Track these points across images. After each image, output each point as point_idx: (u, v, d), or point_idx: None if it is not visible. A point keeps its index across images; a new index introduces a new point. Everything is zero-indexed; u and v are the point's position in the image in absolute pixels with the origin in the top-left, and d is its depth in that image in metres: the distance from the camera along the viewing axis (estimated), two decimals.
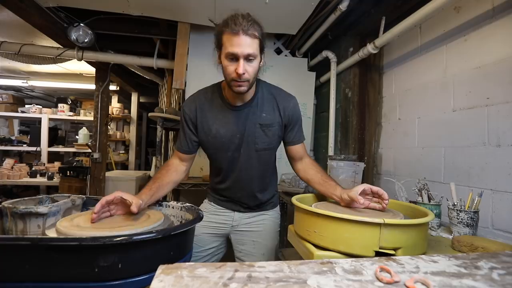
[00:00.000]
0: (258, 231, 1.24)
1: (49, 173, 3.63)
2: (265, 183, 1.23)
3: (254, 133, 1.12)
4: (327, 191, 1.06)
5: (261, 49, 1.02)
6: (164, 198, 1.21)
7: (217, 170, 1.21)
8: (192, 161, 1.24)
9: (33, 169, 3.82)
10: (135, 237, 0.72)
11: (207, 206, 1.29)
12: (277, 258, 1.32)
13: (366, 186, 0.96)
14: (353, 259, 0.58)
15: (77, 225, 0.86)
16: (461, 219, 1.03)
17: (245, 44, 0.95)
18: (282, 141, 1.21)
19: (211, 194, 1.31)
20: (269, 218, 1.27)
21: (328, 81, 2.41)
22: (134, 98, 4.81)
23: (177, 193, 2.73)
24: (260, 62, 1.03)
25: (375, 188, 0.95)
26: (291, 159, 1.23)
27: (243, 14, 0.97)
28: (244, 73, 0.97)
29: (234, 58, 0.97)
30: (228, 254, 1.31)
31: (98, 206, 0.88)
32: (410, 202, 1.21)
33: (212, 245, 1.26)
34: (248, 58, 0.97)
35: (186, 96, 2.46)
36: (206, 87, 1.20)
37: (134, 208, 0.90)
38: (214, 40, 1.02)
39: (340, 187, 1.03)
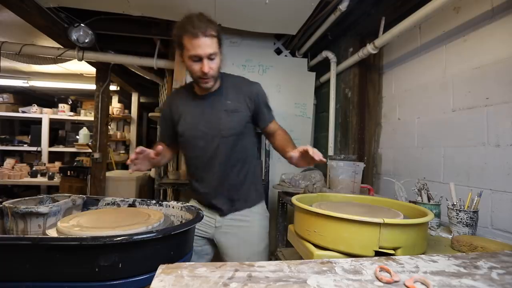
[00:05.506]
0: (243, 232, 1.21)
1: (50, 173, 3.63)
2: (240, 172, 1.21)
3: (219, 119, 1.16)
4: (285, 156, 1.18)
5: (220, 45, 1.10)
6: (164, 198, 1.22)
7: (190, 159, 1.24)
8: (175, 150, 1.35)
9: (33, 169, 3.83)
10: (135, 237, 0.72)
11: (192, 204, 1.28)
12: (270, 259, 1.29)
13: (305, 147, 1.02)
14: (353, 258, 0.58)
15: (77, 225, 0.86)
16: (461, 219, 1.03)
17: (206, 45, 1.03)
18: (256, 126, 1.28)
19: (192, 194, 1.32)
20: (253, 219, 1.24)
21: (328, 81, 2.41)
22: (134, 98, 4.80)
23: (177, 193, 2.73)
24: (220, 56, 1.11)
25: (301, 148, 1.02)
26: (267, 136, 1.33)
27: (198, 15, 1.05)
28: (209, 71, 1.06)
29: (198, 58, 1.05)
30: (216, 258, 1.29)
31: (133, 155, 1.02)
32: (410, 202, 1.22)
33: (200, 242, 1.23)
34: (210, 57, 1.05)
35: None
36: (181, 86, 1.33)
37: (159, 148, 1.04)
38: (174, 39, 1.09)
39: (291, 151, 1.11)
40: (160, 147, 1.04)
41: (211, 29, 1.03)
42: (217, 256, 1.28)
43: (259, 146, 1.29)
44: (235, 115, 1.17)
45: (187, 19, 1.04)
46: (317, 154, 0.97)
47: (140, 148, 1.03)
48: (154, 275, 0.48)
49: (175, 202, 1.17)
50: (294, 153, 1.05)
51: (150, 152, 1.05)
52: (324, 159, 0.99)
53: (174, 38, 1.08)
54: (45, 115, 4.31)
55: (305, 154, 1.02)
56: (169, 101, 1.30)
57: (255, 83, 1.25)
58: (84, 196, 1.18)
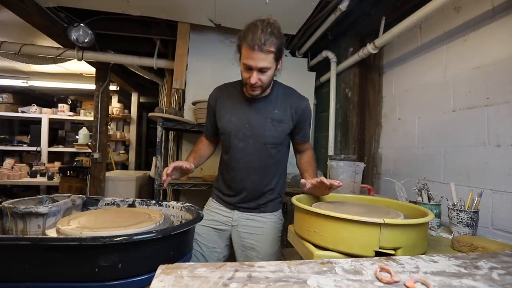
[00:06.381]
0: (258, 234, 1.23)
1: (49, 173, 3.63)
2: (271, 181, 1.24)
3: (264, 126, 1.17)
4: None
5: (278, 58, 1.08)
6: (164, 198, 1.22)
7: (227, 157, 1.25)
8: (218, 143, 1.37)
9: (33, 169, 3.82)
10: (135, 237, 0.72)
11: (210, 203, 1.33)
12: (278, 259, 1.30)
13: (319, 179, 1.02)
14: (353, 259, 0.58)
15: (77, 225, 0.86)
16: (461, 219, 1.03)
17: (259, 59, 1.02)
18: (292, 139, 1.29)
19: (214, 192, 1.34)
20: (269, 222, 1.25)
21: (328, 81, 2.41)
22: (134, 98, 4.80)
23: (177, 193, 2.72)
24: (275, 68, 1.11)
25: (314, 180, 1.04)
26: (296, 151, 1.35)
27: (265, 25, 1.01)
28: (256, 82, 1.07)
29: (249, 68, 1.05)
30: (230, 255, 1.31)
31: (166, 174, 1.06)
32: (410, 202, 1.21)
33: (221, 244, 1.27)
34: (261, 70, 1.05)
35: (186, 96, 2.46)
36: (231, 82, 1.31)
37: (191, 166, 1.13)
38: (237, 41, 1.10)
39: (308, 177, 1.19)
40: (192, 166, 1.14)
41: (270, 45, 1.01)
42: (231, 257, 1.29)
43: None
44: (280, 125, 1.18)
45: (252, 27, 1.02)
46: (334, 184, 0.98)
47: (171, 167, 1.08)
48: (154, 275, 0.48)
49: (175, 202, 1.17)
50: (308, 183, 1.05)
51: (182, 166, 1.10)
52: (341, 183, 0.99)
53: (237, 39, 1.08)
54: (45, 115, 4.30)
55: (318, 185, 1.03)
56: (216, 94, 1.28)
57: (304, 98, 1.25)
58: (84, 196, 1.18)
